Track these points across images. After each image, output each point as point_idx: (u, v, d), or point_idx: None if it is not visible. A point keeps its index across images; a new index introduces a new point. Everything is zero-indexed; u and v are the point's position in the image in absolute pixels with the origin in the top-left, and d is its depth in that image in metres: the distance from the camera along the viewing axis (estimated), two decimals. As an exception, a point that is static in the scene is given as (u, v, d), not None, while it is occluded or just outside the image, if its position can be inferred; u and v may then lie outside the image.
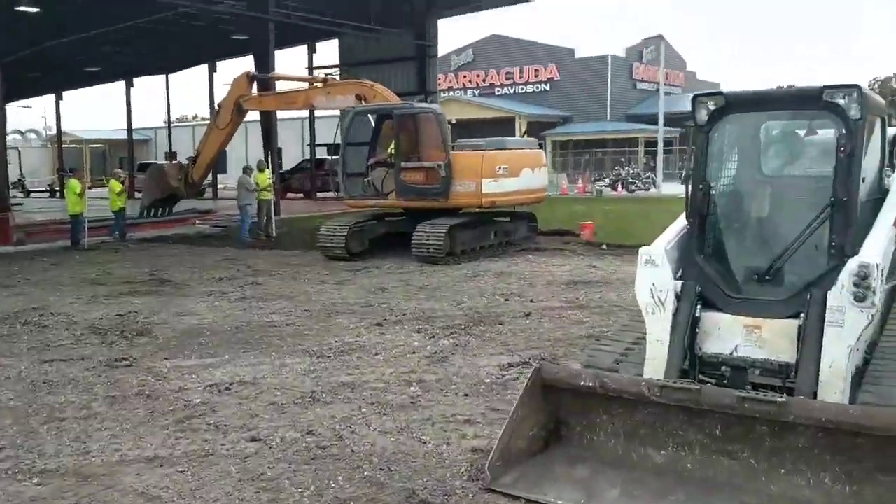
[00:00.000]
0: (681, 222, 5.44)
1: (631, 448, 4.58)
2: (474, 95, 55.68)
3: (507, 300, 10.09)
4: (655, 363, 4.94)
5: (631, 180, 38.07)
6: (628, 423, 4.60)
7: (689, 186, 5.22)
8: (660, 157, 39.75)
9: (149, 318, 9.51)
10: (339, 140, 15.98)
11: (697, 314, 4.90)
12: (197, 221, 21.34)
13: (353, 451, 5.05)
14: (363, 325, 8.88)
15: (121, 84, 43.37)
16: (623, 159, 46.00)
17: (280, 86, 21.23)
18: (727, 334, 4.85)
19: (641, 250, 5.10)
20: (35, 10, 25.38)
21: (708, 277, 5.02)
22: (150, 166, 21.80)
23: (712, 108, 5.14)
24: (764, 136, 5.89)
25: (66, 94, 46.64)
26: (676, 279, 5.02)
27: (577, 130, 51.59)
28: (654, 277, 5.01)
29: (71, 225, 18.41)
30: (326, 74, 17.49)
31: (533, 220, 16.09)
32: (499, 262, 13.68)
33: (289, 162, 40.36)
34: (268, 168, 18.83)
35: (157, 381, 6.77)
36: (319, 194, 34.83)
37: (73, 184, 18.33)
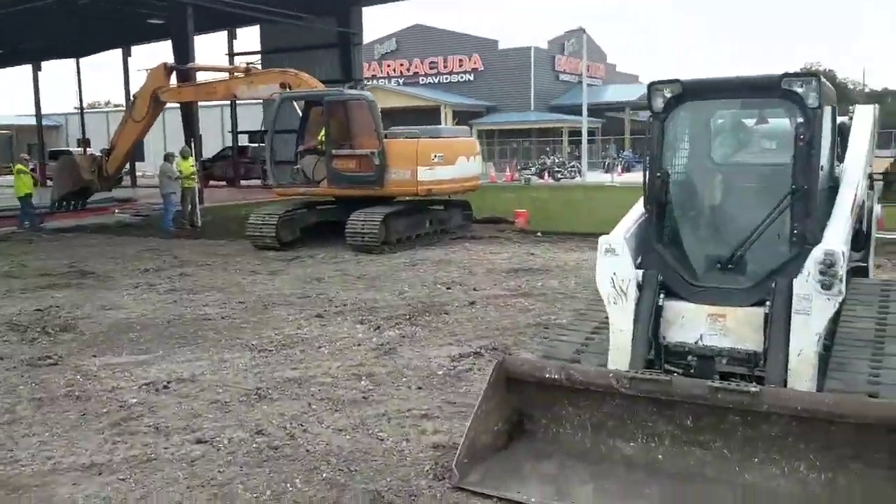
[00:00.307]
0: (638, 210, 5.34)
1: (599, 441, 4.47)
2: (398, 84, 55.33)
3: (449, 289, 9.92)
4: (619, 353, 4.84)
5: (557, 169, 38.42)
6: (596, 415, 4.48)
7: (647, 174, 5.12)
8: (584, 146, 40.27)
9: (71, 313, 8.97)
10: (264, 127, 15.49)
11: (660, 303, 4.82)
12: (116, 211, 20.44)
13: (307, 450, 4.79)
14: (302, 316, 8.56)
15: (27, 68, 41.32)
16: (548, 149, 46.46)
17: (200, 76, 20.44)
18: (691, 323, 4.79)
19: (601, 239, 4.97)
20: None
21: (668, 266, 4.95)
22: (60, 157, 20.60)
23: (668, 95, 5.05)
24: (713, 125, 5.86)
25: (-33, 76, 44.19)
26: (637, 268, 4.93)
27: (503, 120, 51.89)
28: (614, 267, 4.90)
29: None
30: (248, 63, 16.88)
31: (467, 208, 15.95)
32: (436, 250, 13.50)
33: (209, 149, 39.18)
34: (191, 156, 18.14)
35: (87, 381, 6.34)
36: (243, 182, 33.97)
37: None
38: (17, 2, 25.47)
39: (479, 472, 4.31)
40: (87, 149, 40.17)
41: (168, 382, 6.21)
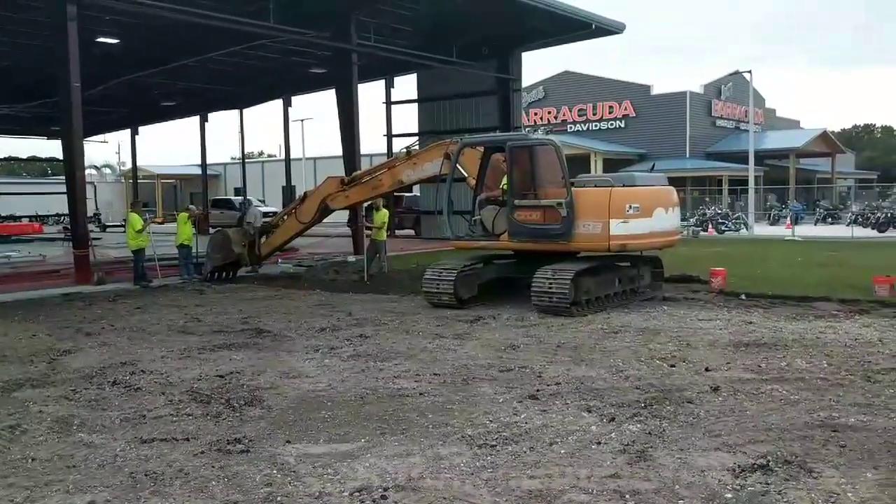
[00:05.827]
0: None
1: None
2: (545, 133, 54.32)
3: (673, 366, 8.41)
4: None
5: (720, 221, 35.96)
6: None
7: None
8: (751, 197, 37.71)
9: (254, 381, 8.12)
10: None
11: None
12: (280, 261, 20.11)
13: None
14: (513, 396, 7.31)
15: (188, 120, 43.43)
16: (707, 199, 43.91)
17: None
18: None
19: None
20: (115, 41, 24.92)
21: None
22: (213, 233, 20.37)
23: None
24: None
25: (140, 129, 46.70)
26: None
27: (656, 168, 49.74)
28: None
29: (133, 262, 17.36)
30: (408, 147, 16.46)
31: (658, 266, 14.38)
32: (631, 314, 11.98)
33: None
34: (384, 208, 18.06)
35: (286, 480, 5.29)
36: (398, 232, 33.62)
37: (134, 219, 17.24)
38: (190, 53, 26.32)
39: None
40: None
41: (384, 490, 5.04)
